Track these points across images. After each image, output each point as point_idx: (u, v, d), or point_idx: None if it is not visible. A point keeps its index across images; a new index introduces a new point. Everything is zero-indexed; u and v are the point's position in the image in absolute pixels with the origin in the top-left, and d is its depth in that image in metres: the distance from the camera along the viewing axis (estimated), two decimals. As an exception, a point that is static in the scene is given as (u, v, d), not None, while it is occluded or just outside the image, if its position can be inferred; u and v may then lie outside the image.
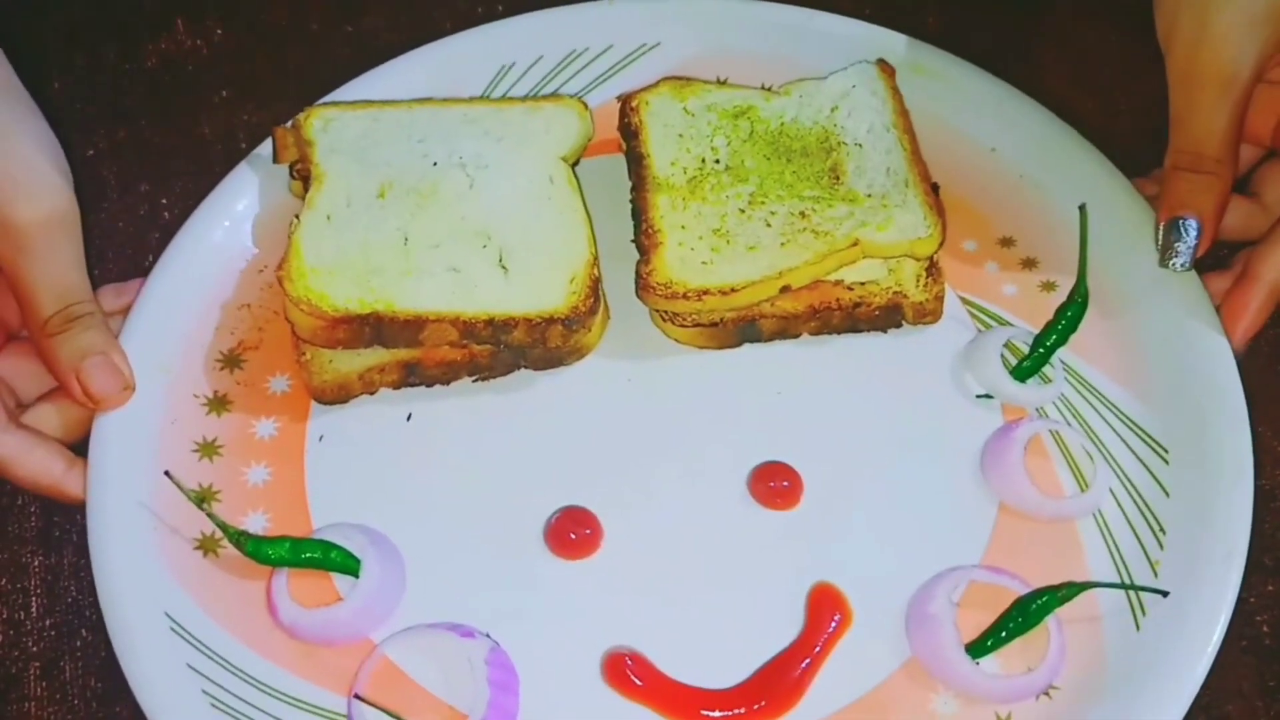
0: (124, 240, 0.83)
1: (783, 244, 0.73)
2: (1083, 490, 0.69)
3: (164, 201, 0.84)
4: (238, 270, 0.77)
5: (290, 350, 0.73)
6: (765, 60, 0.84)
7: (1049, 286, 0.76)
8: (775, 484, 0.69)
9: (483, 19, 0.86)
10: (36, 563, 0.72)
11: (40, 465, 0.68)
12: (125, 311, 0.75)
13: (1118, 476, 0.69)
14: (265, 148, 0.79)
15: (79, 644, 0.69)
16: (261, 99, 0.89)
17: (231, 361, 0.74)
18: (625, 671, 0.64)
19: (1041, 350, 0.72)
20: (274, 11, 0.93)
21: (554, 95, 0.82)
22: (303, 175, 0.77)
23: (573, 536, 0.68)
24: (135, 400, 0.71)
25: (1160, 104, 0.72)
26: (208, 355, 0.74)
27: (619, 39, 0.85)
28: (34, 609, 0.71)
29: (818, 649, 0.64)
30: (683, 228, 0.74)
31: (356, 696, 0.61)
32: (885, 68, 0.80)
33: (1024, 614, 0.64)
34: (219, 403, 0.73)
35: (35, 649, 0.70)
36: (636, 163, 0.78)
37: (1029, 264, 0.77)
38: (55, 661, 0.69)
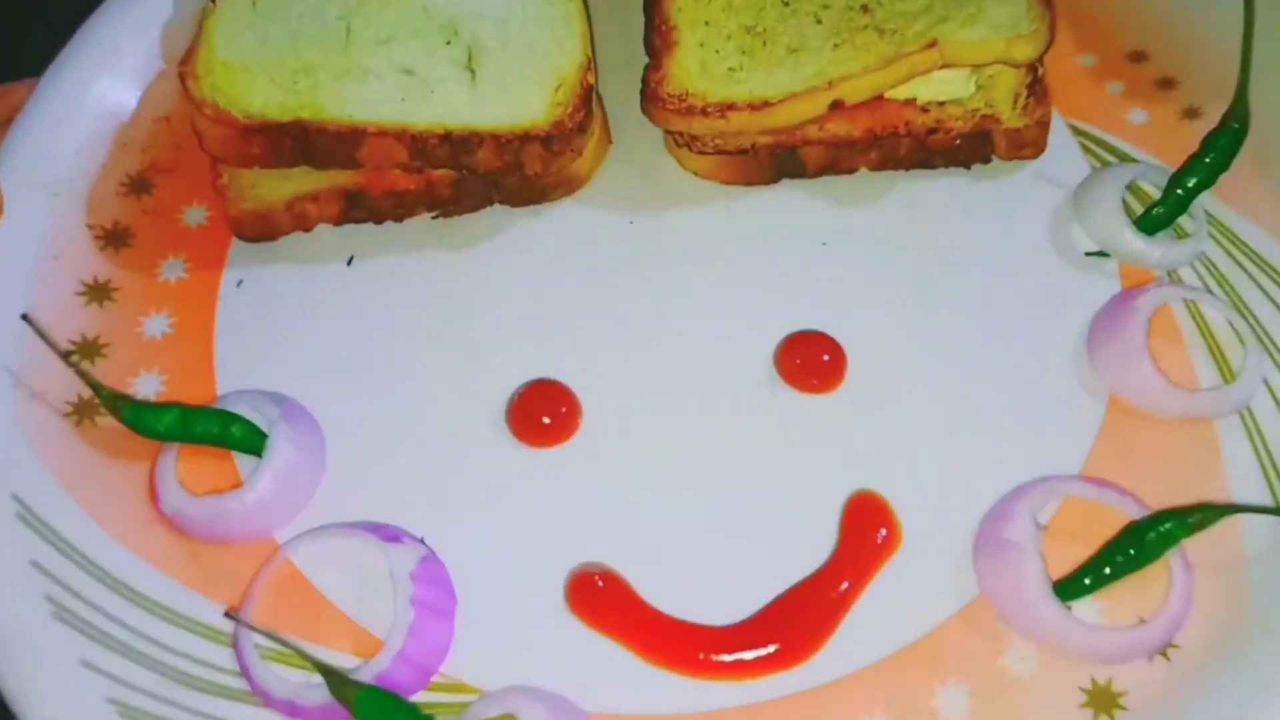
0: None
1: (836, 45, 0.55)
2: (1227, 381, 0.51)
3: None
4: (154, 71, 0.62)
5: (210, 170, 0.58)
6: None
7: (1192, 113, 0.58)
8: (810, 359, 0.53)
9: None
10: None
11: None
12: (11, 118, 0.60)
13: (1276, 364, 0.51)
14: (188, -81, 0.63)
15: None
16: None
17: (138, 185, 0.60)
18: (594, 595, 0.48)
19: (1180, 193, 0.54)
20: None
21: None
22: (237, -43, 0.61)
23: (545, 420, 0.53)
24: (10, 224, 0.57)
25: None
26: (109, 176, 0.60)
27: None
28: None
29: (851, 579, 0.48)
30: (707, 24, 0.57)
31: (229, 614, 0.47)
32: None
33: (1137, 545, 0.46)
34: (118, 235, 0.58)
35: None
36: (653, -60, 0.60)
37: (1166, 84, 0.59)
38: None
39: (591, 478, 0.51)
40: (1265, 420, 0.50)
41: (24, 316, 0.53)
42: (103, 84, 0.61)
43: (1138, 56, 0.60)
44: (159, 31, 0.63)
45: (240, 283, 0.57)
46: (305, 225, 0.58)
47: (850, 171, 0.58)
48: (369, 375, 0.55)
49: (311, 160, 0.55)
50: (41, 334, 0.52)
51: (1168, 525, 0.46)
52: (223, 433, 0.52)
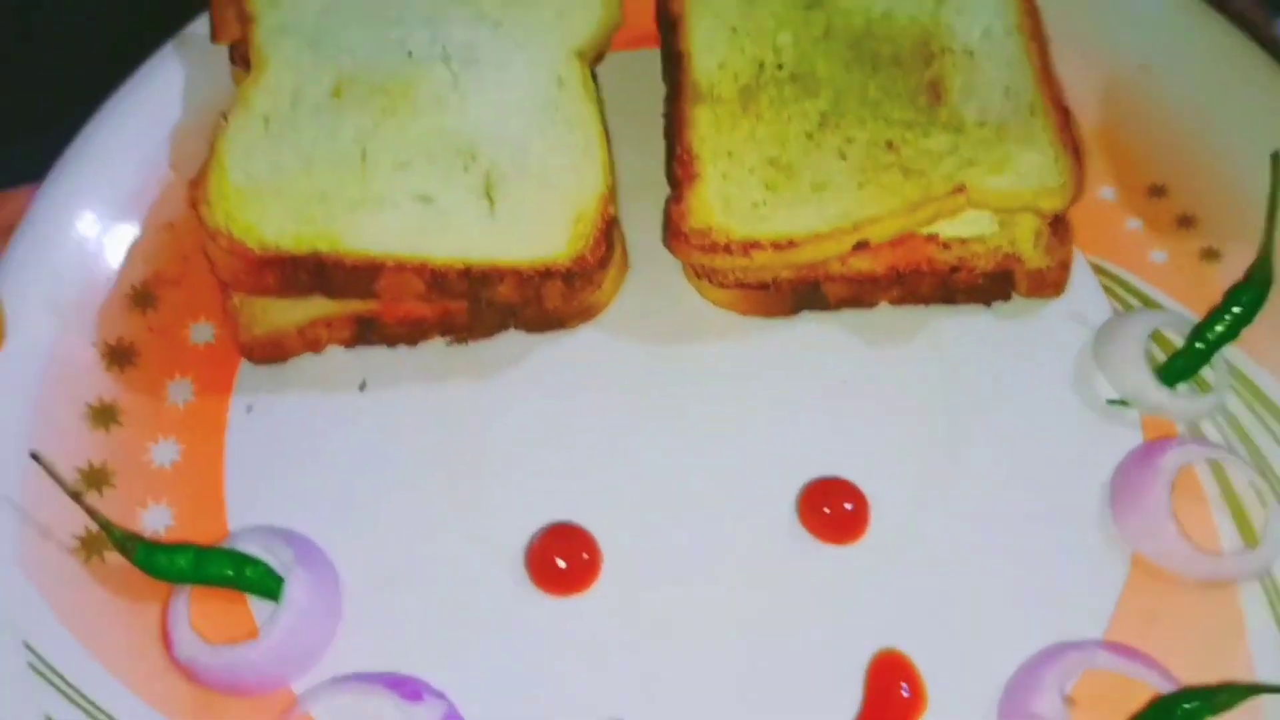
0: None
1: (861, 184, 0.55)
2: (1249, 543, 0.51)
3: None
4: (158, 180, 0.61)
5: (218, 287, 0.56)
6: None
7: (1211, 255, 0.58)
8: (833, 508, 0.52)
9: None
10: None
11: None
12: (12, 227, 0.58)
13: (1298, 528, 0.51)
14: (202, 24, 0.62)
15: None
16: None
17: (142, 300, 0.58)
18: (617, 757, 0.48)
19: (1201, 345, 0.54)
20: None
21: (573, -33, 0.63)
22: (246, 60, 0.59)
23: (561, 564, 0.52)
24: (12, 348, 0.55)
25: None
26: (112, 291, 0.58)
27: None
28: None
29: (877, 745, 0.48)
30: (729, 155, 0.56)
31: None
32: (1012, -51, 0.61)
33: (1163, 721, 0.47)
34: (123, 354, 0.57)
35: None
36: (674, 64, 0.59)
37: (1185, 222, 0.59)
38: None
39: (611, 628, 0.51)
40: (1287, 587, 0.51)
41: (33, 455, 0.51)
42: (105, 191, 0.59)
43: (1157, 191, 0.60)
44: (165, 135, 0.61)
45: (250, 408, 0.56)
46: (317, 348, 0.57)
47: (871, 306, 0.57)
48: (384, 512, 0.54)
49: (327, 291, 0.54)
50: (51, 472, 0.51)
51: (1194, 704, 0.46)
52: (237, 576, 0.51)
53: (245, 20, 0.59)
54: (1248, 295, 0.54)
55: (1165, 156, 0.60)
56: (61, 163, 0.60)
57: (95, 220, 0.59)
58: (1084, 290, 0.57)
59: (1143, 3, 0.62)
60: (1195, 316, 0.56)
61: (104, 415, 0.56)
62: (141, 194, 0.60)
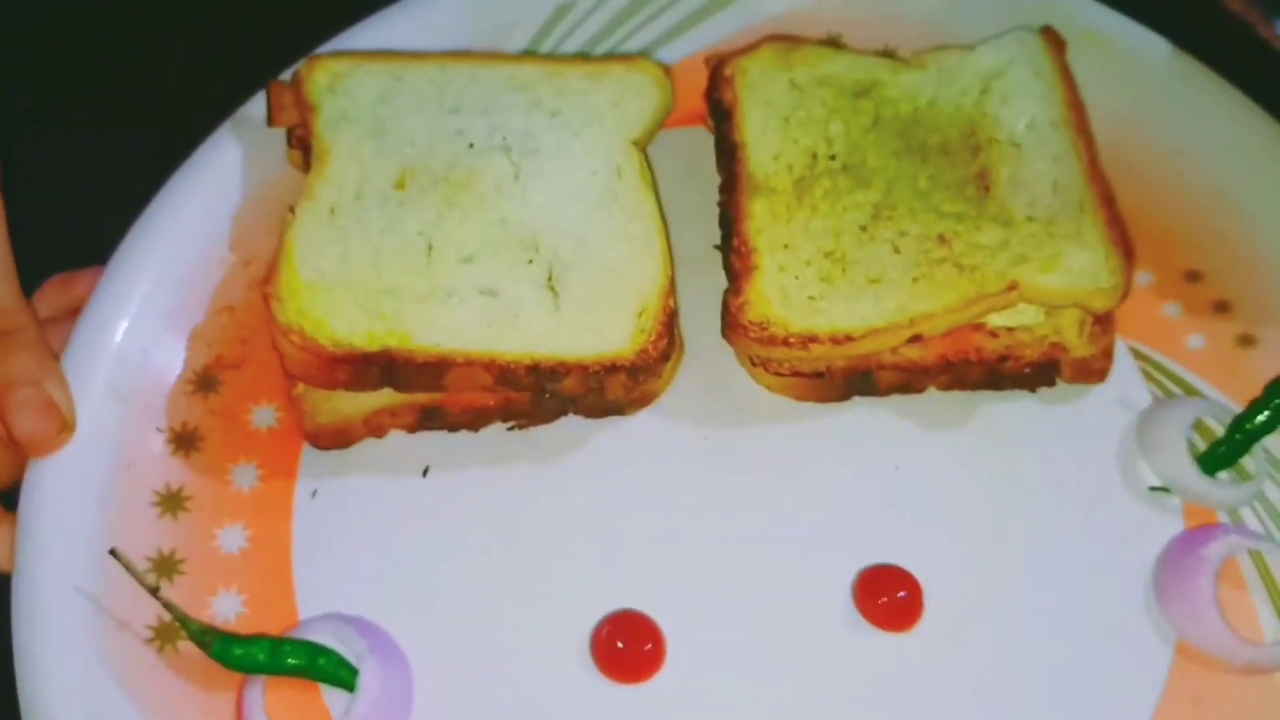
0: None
1: (915, 279, 0.57)
2: (1290, 633, 0.53)
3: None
4: (218, 262, 0.61)
5: (280, 372, 0.58)
6: (890, 13, 0.66)
7: (1247, 341, 0.60)
8: (889, 596, 0.54)
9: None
10: None
11: None
12: (78, 309, 0.59)
13: (1336, 618, 0.54)
14: (256, 105, 0.63)
15: None
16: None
17: (205, 383, 0.59)
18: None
19: (1240, 436, 0.56)
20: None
21: (625, 55, 0.64)
22: (303, 143, 0.60)
23: (624, 649, 0.53)
24: (80, 437, 0.56)
25: None
26: (176, 376, 0.59)
27: (708, -28, 0.67)
28: None
29: (938, 834, 0.50)
30: (786, 247, 0.58)
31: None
32: (1053, 38, 0.63)
33: (1212, 812, 0.49)
34: (188, 439, 0.58)
35: None
36: (728, 155, 0.61)
37: (1221, 307, 0.61)
38: None
39: (677, 715, 0.53)
40: (1327, 673, 0.53)
41: (111, 551, 0.52)
42: (167, 274, 0.60)
43: (1193, 276, 0.61)
44: (223, 217, 0.62)
45: (315, 493, 0.57)
46: (380, 434, 0.58)
47: (920, 391, 0.59)
48: (450, 598, 0.55)
49: (395, 385, 0.55)
50: (129, 568, 0.52)
51: (1244, 797, 0.48)
52: (311, 666, 0.52)
53: (305, 108, 0.60)
54: (1288, 389, 0.56)
55: (1200, 241, 0.62)
56: (123, 246, 0.60)
57: (156, 304, 0.60)
58: (1125, 376, 0.59)
59: (1179, 88, 0.64)
60: (1233, 402, 0.58)
61: (172, 502, 0.57)
62: (201, 276, 0.61)
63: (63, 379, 0.56)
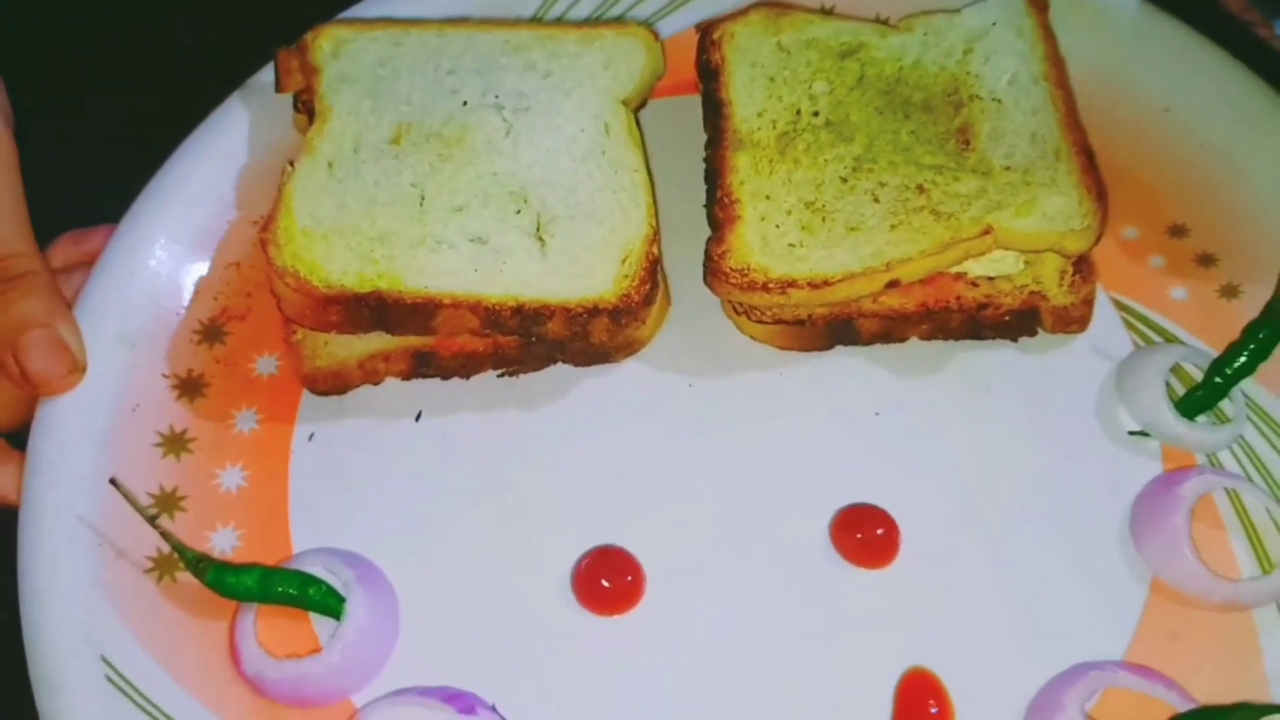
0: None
1: (893, 226, 0.58)
2: (1265, 570, 0.53)
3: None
4: (226, 220, 0.64)
5: (281, 323, 0.60)
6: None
7: (1231, 291, 0.60)
8: (865, 534, 0.55)
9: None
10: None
11: None
12: (90, 263, 0.62)
13: (1313, 555, 0.54)
14: (265, 74, 0.65)
15: None
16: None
17: (211, 334, 0.62)
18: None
19: (1219, 380, 0.56)
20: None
21: (617, 21, 0.66)
22: (308, 108, 0.63)
23: (606, 585, 0.55)
24: (89, 380, 0.59)
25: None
26: (183, 325, 0.62)
27: (708, -56, 0.69)
28: None
29: (906, 759, 0.50)
30: (767, 198, 0.59)
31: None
32: (1036, 0, 0.64)
33: (1181, 740, 0.49)
34: (192, 385, 0.60)
35: None
36: (715, 111, 0.62)
37: (1206, 260, 0.61)
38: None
39: (653, 647, 0.54)
40: (1301, 610, 0.53)
41: (111, 480, 0.55)
42: (176, 231, 0.63)
43: (1178, 230, 0.62)
44: (232, 179, 0.64)
45: (311, 436, 0.59)
46: (375, 380, 0.60)
47: (902, 340, 0.60)
48: (439, 535, 0.57)
49: (386, 327, 0.57)
50: (128, 498, 0.54)
51: (1211, 723, 0.49)
52: (301, 595, 0.54)
53: (309, 72, 0.63)
54: (1265, 331, 0.56)
55: (1187, 197, 0.63)
56: (136, 205, 0.63)
57: (167, 259, 0.62)
58: (1106, 326, 0.60)
59: (1164, 48, 0.65)
60: (1214, 351, 0.58)
61: (175, 443, 0.59)
62: (210, 234, 0.63)
63: (74, 322, 0.59)
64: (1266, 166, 0.61)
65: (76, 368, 0.58)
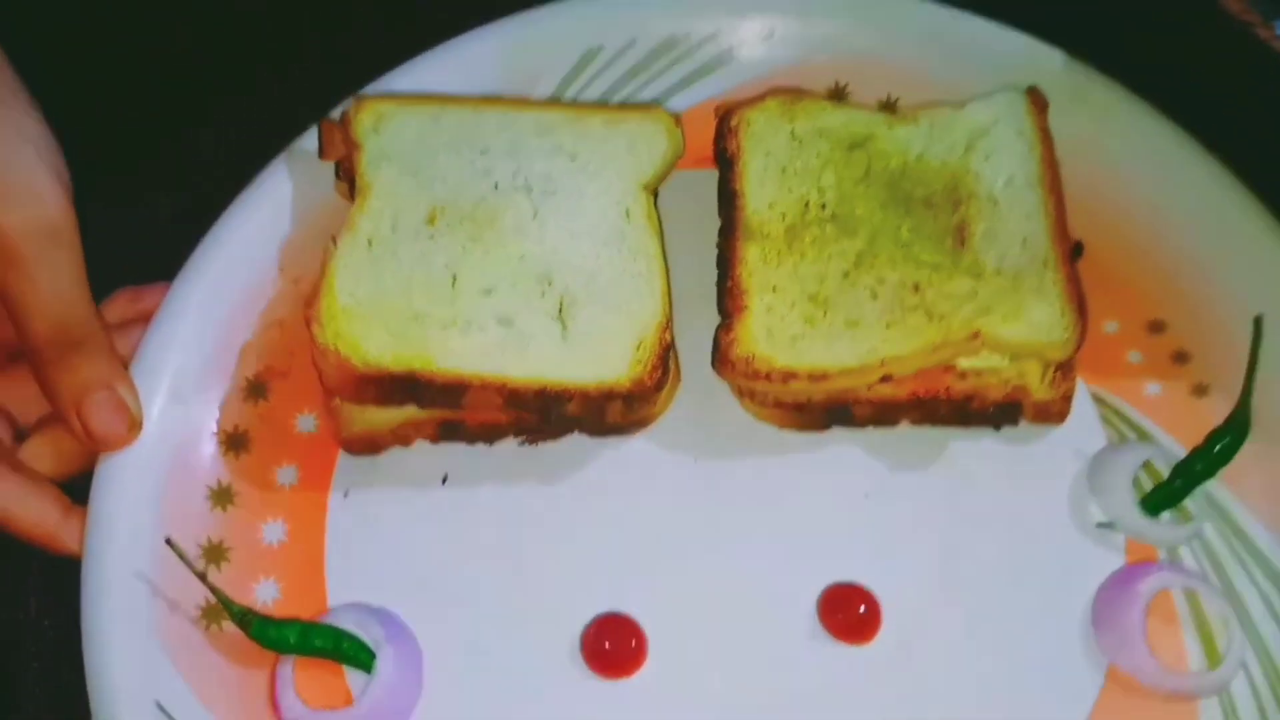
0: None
1: (888, 324, 0.62)
2: (1212, 665, 0.59)
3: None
4: (270, 280, 0.69)
5: (321, 385, 0.65)
6: (894, 66, 0.72)
7: (1201, 390, 0.65)
8: (849, 612, 0.60)
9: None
10: (35, 563, 0.65)
11: (34, 515, 0.61)
12: (145, 319, 0.67)
13: (1257, 653, 0.59)
14: (309, 139, 0.70)
15: (78, 644, 0.62)
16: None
17: (256, 390, 0.66)
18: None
19: (1182, 481, 0.61)
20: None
21: (641, 105, 0.70)
22: (349, 175, 0.67)
23: (611, 649, 0.60)
24: (145, 436, 0.64)
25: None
26: (231, 383, 0.66)
27: (725, 25, 0.73)
28: (32, 609, 0.66)
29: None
30: (774, 289, 0.64)
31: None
32: (1037, 100, 0.67)
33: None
34: (238, 441, 0.65)
35: (34, 649, 0.64)
36: (728, 201, 0.67)
37: (1180, 358, 0.66)
38: (54, 661, 0.64)
39: (654, 708, 0.59)
40: (1241, 705, 0.58)
41: (167, 540, 0.60)
42: (226, 291, 0.67)
43: (1157, 326, 0.66)
44: (276, 241, 0.69)
45: (347, 494, 0.65)
46: (406, 444, 0.65)
47: (894, 424, 0.65)
48: (460, 594, 0.62)
49: (418, 402, 0.62)
50: (182, 556, 0.60)
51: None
52: (335, 649, 0.60)
53: (350, 145, 0.67)
54: (1226, 439, 0.61)
55: (1167, 295, 0.67)
56: (187, 266, 0.68)
57: (216, 318, 0.67)
58: (1084, 419, 0.64)
59: (1158, 150, 0.68)
60: (1182, 448, 0.63)
61: (222, 496, 0.64)
62: (256, 293, 0.68)
63: (131, 382, 0.63)
64: (1242, 272, 0.65)
65: (135, 425, 0.63)
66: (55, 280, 0.61)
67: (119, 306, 0.68)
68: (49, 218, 0.60)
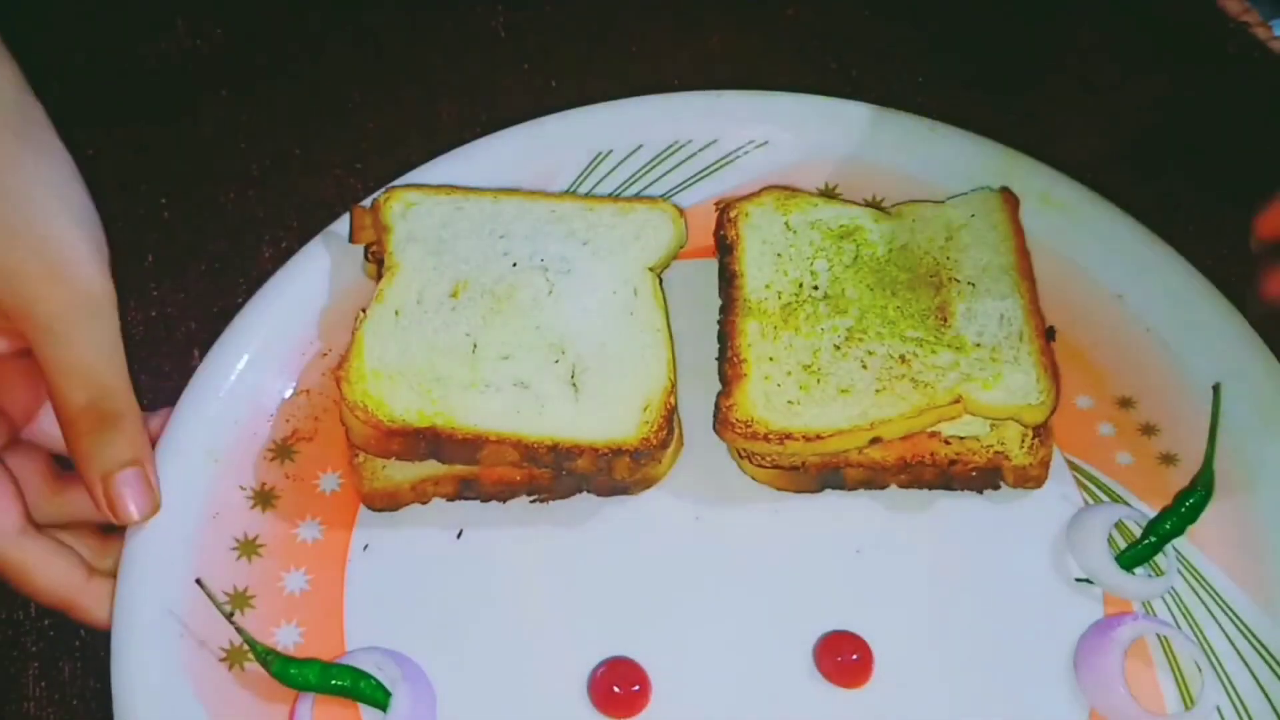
0: (122, 241, 0.77)
1: (878, 390, 0.67)
2: (1187, 706, 0.62)
3: (163, 201, 0.81)
4: (300, 352, 0.73)
5: (344, 446, 0.69)
6: (879, 171, 0.78)
7: (1170, 459, 0.69)
8: (843, 658, 0.64)
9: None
10: None
11: (57, 578, 0.63)
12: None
13: (1229, 696, 0.62)
14: (342, 224, 0.75)
15: (77, 644, 0.66)
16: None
17: (283, 452, 0.71)
18: None
19: (1153, 539, 0.65)
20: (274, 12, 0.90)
21: (647, 198, 0.76)
22: (377, 258, 0.73)
23: (616, 691, 0.63)
24: (181, 489, 0.67)
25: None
26: (260, 444, 0.71)
27: (725, 133, 0.80)
28: (32, 608, 0.68)
29: None
30: (771, 359, 0.69)
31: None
32: (1009, 199, 0.74)
33: None
34: (265, 497, 0.69)
35: (34, 649, 0.67)
36: (728, 282, 0.72)
37: (1149, 430, 0.70)
38: (54, 661, 0.66)
39: (658, 749, 0.62)
40: (1215, 741, 0.61)
41: (198, 581, 0.64)
42: (260, 360, 0.72)
43: (1126, 403, 0.71)
44: (310, 315, 0.74)
45: (366, 547, 0.68)
46: (424, 500, 0.69)
47: (883, 488, 0.69)
48: (474, 640, 0.65)
49: (438, 457, 0.66)
50: (211, 597, 0.63)
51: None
52: (353, 688, 0.63)
53: (379, 228, 0.73)
54: (1193, 499, 0.65)
55: (1135, 373, 0.72)
56: (224, 334, 0.73)
57: (249, 384, 0.71)
58: (1061, 483, 0.69)
59: (1120, 244, 0.74)
60: (1152, 511, 0.67)
61: (249, 548, 0.68)
62: (287, 363, 0.72)
63: (154, 463, 0.65)
64: (1202, 349, 0.71)
65: (157, 505, 0.65)
66: (92, 352, 0.62)
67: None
68: (90, 292, 0.62)
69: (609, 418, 0.67)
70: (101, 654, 0.64)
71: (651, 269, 0.72)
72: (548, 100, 0.84)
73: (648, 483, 0.69)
